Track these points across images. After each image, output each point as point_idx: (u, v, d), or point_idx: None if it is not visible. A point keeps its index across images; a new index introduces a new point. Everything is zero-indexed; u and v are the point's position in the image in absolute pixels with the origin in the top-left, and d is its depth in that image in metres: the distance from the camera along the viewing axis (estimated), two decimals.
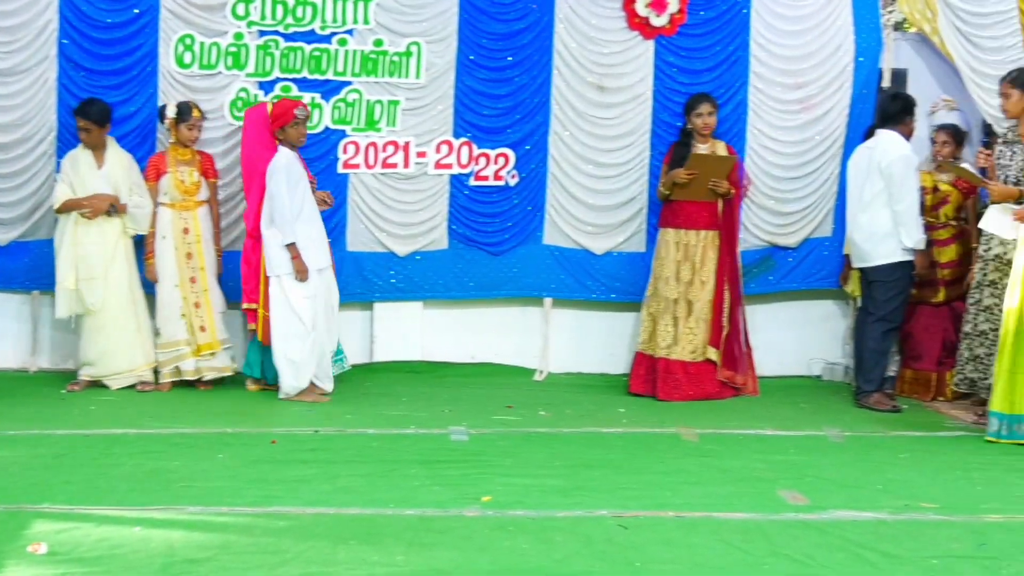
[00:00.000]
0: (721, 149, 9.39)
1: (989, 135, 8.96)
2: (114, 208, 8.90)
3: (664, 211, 9.45)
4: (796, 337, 10.22)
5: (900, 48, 10.25)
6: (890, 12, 10.03)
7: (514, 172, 9.81)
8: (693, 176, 9.14)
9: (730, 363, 9.43)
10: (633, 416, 8.59)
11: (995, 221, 8.14)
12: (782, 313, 10.17)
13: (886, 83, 10.05)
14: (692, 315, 9.31)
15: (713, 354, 9.35)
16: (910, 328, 9.53)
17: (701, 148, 9.34)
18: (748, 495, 6.54)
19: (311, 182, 8.98)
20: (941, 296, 9.47)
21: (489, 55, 9.73)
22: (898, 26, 10.15)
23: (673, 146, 9.48)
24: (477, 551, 5.48)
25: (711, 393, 9.30)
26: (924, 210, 9.21)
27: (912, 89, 10.15)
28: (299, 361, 8.75)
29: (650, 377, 9.34)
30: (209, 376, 9.10)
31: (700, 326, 9.31)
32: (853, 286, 9.67)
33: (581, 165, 9.86)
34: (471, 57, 9.70)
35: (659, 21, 9.76)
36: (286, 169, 8.69)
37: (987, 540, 5.83)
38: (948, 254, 9.39)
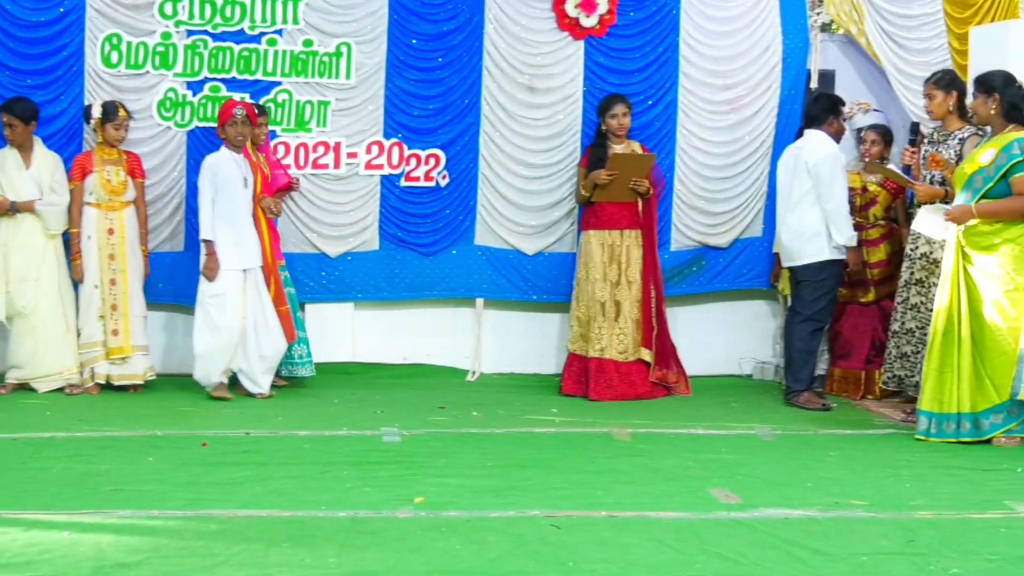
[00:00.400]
0: (636, 149, 9.44)
1: (915, 134, 9.07)
2: (14, 207, 8.79)
3: (585, 214, 9.50)
4: (727, 337, 10.29)
5: (828, 49, 10.37)
6: (818, 14, 10.13)
7: (445, 173, 9.80)
8: (614, 176, 9.18)
9: (662, 362, 9.50)
10: (565, 416, 8.61)
11: (927, 222, 8.22)
12: (713, 313, 10.23)
13: (814, 84, 10.14)
14: (621, 315, 9.35)
15: (646, 355, 9.41)
16: (839, 327, 9.62)
17: (617, 149, 9.39)
18: (680, 494, 6.57)
19: (291, 185, 9.21)
20: (871, 296, 9.56)
21: (419, 56, 9.72)
22: (825, 27, 10.25)
23: (589, 148, 9.52)
24: (410, 552, 5.46)
25: (643, 393, 9.35)
26: (854, 210, 9.33)
27: (840, 90, 10.26)
28: (203, 355, 8.85)
29: (582, 377, 9.37)
30: (119, 383, 8.99)
31: (630, 326, 9.35)
32: (783, 285, 9.75)
33: (512, 166, 9.87)
34: (401, 58, 9.68)
35: (589, 22, 9.79)
36: (211, 169, 8.80)
37: (916, 536, 5.88)
38: (878, 254, 9.48)
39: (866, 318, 9.63)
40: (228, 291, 8.81)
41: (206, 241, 8.77)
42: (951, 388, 7.94)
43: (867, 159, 9.39)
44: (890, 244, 9.50)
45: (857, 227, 9.26)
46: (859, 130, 9.78)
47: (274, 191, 9.14)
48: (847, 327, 9.63)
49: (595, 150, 9.43)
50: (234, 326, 8.82)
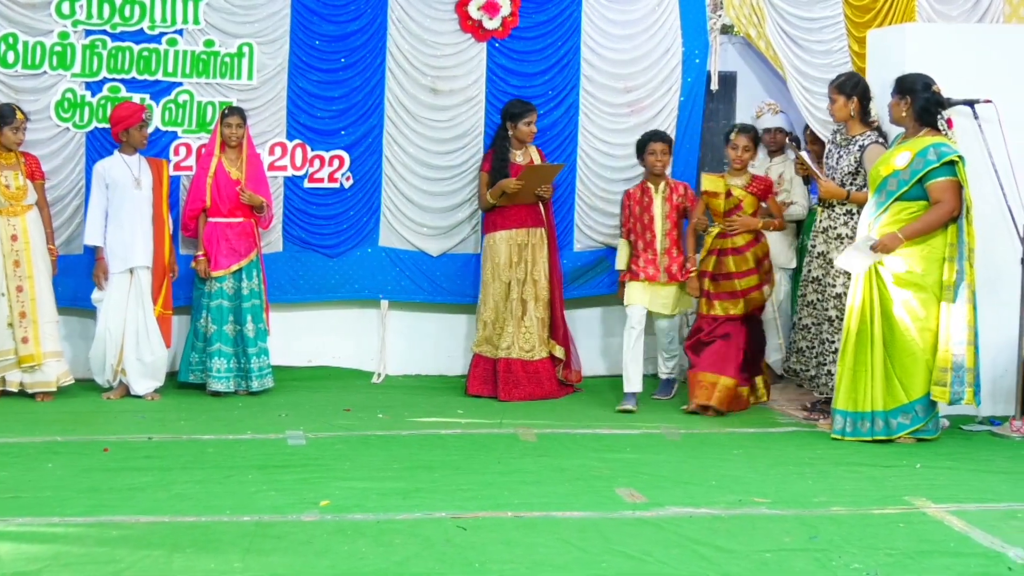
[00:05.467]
0: (535, 154, 9.52)
1: (799, 144, 9.19)
2: None
3: (489, 216, 9.53)
4: None
5: (730, 51, 10.47)
6: (718, 16, 10.21)
7: (349, 174, 9.77)
8: (522, 186, 9.23)
9: (568, 361, 9.56)
10: (471, 417, 8.61)
11: (854, 262, 8.19)
12: (616, 314, 10.27)
13: (714, 86, 10.23)
14: (527, 314, 9.39)
15: (558, 351, 9.48)
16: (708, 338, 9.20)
17: (517, 154, 9.43)
18: (586, 494, 6.60)
19: (241, 187, 9.14)
20: (740, 308, 9.03)
21: (322, 57, 9.68)
22: (727, 29, 10.33)
23: (490, 153, 9.55)
24: (316, 556, 5.44)
25: (550, 392, 9.40)
26: (718, 217, 9.07)
27: (741, 92, 10.40)
28: (91, 357, 9.04)
29: (488, 378, 9.38)
30: (33, 391, 8.86)
31: (535, 324, 9.39)
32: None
33: (415, 167, 9.86)
34: (303, 59, 9.63)
35: (491, 24, 9.80)
36: (100, 175, 8.94)
37: (818, 533, 5.96)
38: (745, 262, 9.02)
39: (736, 330, 9.07)
40: (111, 294, 8.90)
41: (93, 247, 8.91)
42: (865, 387, 8.05)
43: (736, 166, 9.00)
44: (757, 251, 9.06)
45: (722, 234, 9.02)
46: (766, 131, 9.88)
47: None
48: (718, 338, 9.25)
49: (497, 155, 9.45)
50: (113, 329, 8.87)
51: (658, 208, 9.22)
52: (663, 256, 9.18)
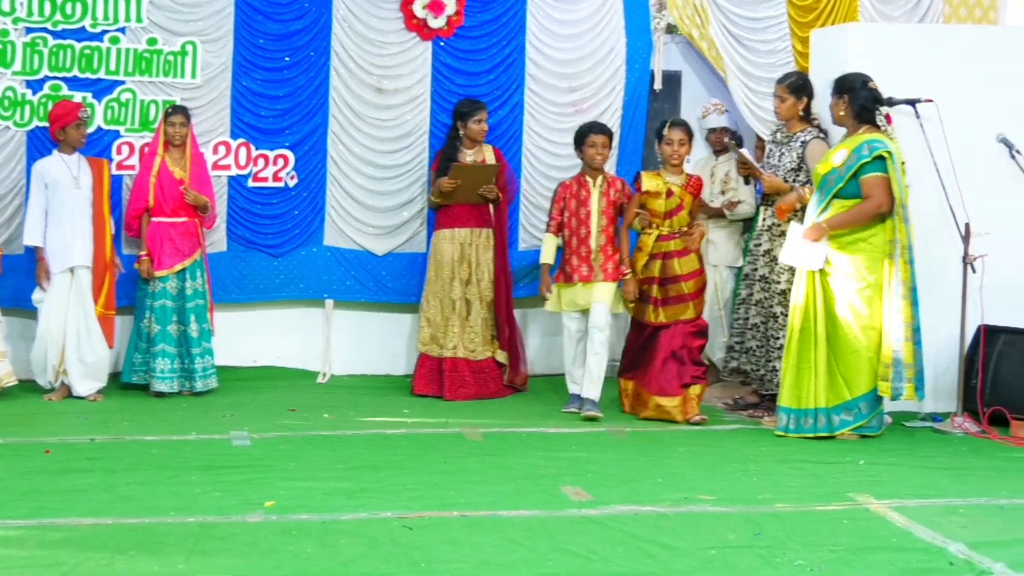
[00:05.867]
0: (489, 153, 9.48)
1: (739, 143, 9.25)
2: None
3: (438, 215, 9.51)
4: None
5: (674, 51, 10.51)
6: (662, 16, 10.24)
7: (293, 173, 9.73)
8: (456, 184, 9.21)
9: (514, 365, 9.55)
10: (417, 417, 8.60)
11: (797, 256, 8.25)
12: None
13: (658, 85, 10.26)
14: (472, 314, 9.38)
15: (501, 356, 9.46)
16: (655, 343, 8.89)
17: (469, 153, 9.43)
18: (531, 492, 6.61)
19: (185, 186, 9.06)
20: (691, 312, 8.72)
21: (266, 55, 9.63)
22: (671, 29, 10.37)
23: (440, 153, 9.54)
24: (260, 557, 5.41)
25: (496, 391, 9.40)
26: (656, 217, 8.72)
27: (686, 91, 10.44)
28: (32, 358, 8.96)
29: (434, 377, 9.37)
30: None
31: (479, 324, 9.39)
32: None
33: (360, 166, 9.83)
34: (247, 57, 9.59)
35: (436, 23, 9.79)
36: (39, 174, 8.85)
37: (762, 530, 6.00)
38: (689, 264, 8.70)
39: (679, 338, 8.71)
40: (52, 295, 8.83)
41: (34, 247, 8.85)
42: (808, 384, 8.11)
43: (674, 161, 8.68)
44: (699, 251, 8.83)
45: (664, 236, 8.70)
46: (712, 130, 9.91)
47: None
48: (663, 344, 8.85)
49: (444, 154, 9.46)
50: (54, 330, 8.80)
51: (595, 203, 8.80)
52: (598, 254, 8.76)
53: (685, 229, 8.72)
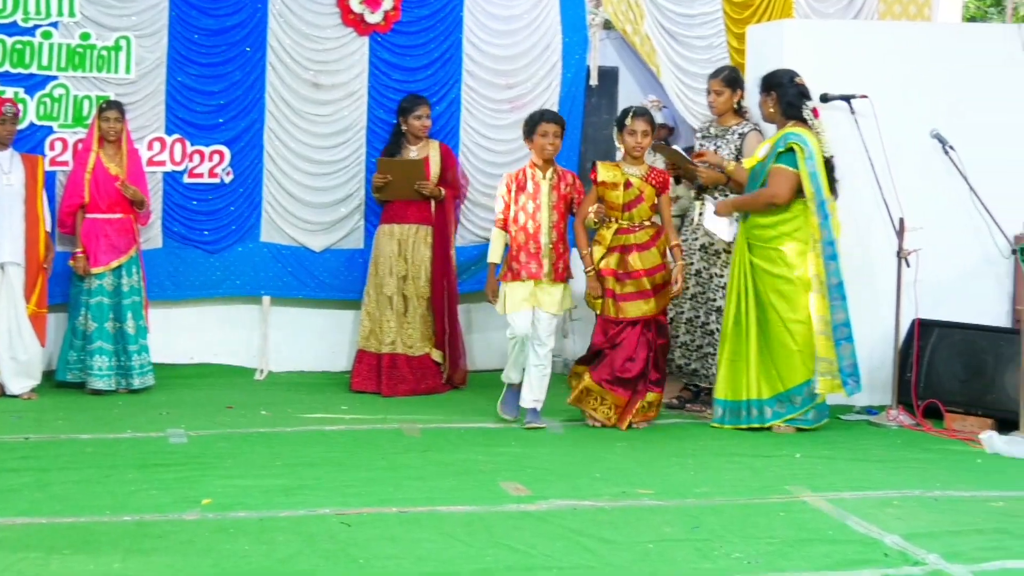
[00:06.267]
0: (434, 149, 9.46)
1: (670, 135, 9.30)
2: None
3: (382, 210, 9.51)
4: None
5: (610, 47, 10.53)
6: (597, 12, 10.27)
7: (229, 169, 9.67)
8: (386, 180, 9.21)
9: (453, 362, 9.54)
10: (355, 413, 8.57)
11: (714, 222, 8.44)
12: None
13: (593, 81, 10.29)
14: (409, 310, 9.37)
15: (437, 355, 9.45)
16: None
17: (412, 150, 9.43)
18: (470, 488, 6.61)
19: (121, 181, 8.95)
20: (652, 307, 8.25)
21: (201, 51, 9.57)
22: (608, 25, 10.40)
23: (384, 150, 9.55)
24: (198, 555, 5.37)
25: (434, 387, 9.40)
26: (614, 211, 8.23)
27: (623, 87, 10.47)
28: None
29: (372, 374, 9.35)
30: None
31: (417, 321, 9.38)
32: None
33: (297, 162, 9.79)
34: (182, 53, 9.52)
35: (373, 18, 9.77)
36: None
37: (699, 523, 6.02)
38: (652, 258, 8.24)
39: (642, 336, 8.29)
40: None
41: None
42: (742, 376, 8.18)
43: (636, 153, 8.22)
44: (662, 244, 8.34)
45: (623, 230, 8.21)
46: None
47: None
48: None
49: (386, 150, 9.45)
50: None
51: (545, 196, 8.23)
52: (548, 251, 8.21)
53: (647, 223, 8.22)
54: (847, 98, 8.55)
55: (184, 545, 5.50)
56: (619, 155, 8.34)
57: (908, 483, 6.93)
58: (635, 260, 8.19)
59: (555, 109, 10.01)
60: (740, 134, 8.71)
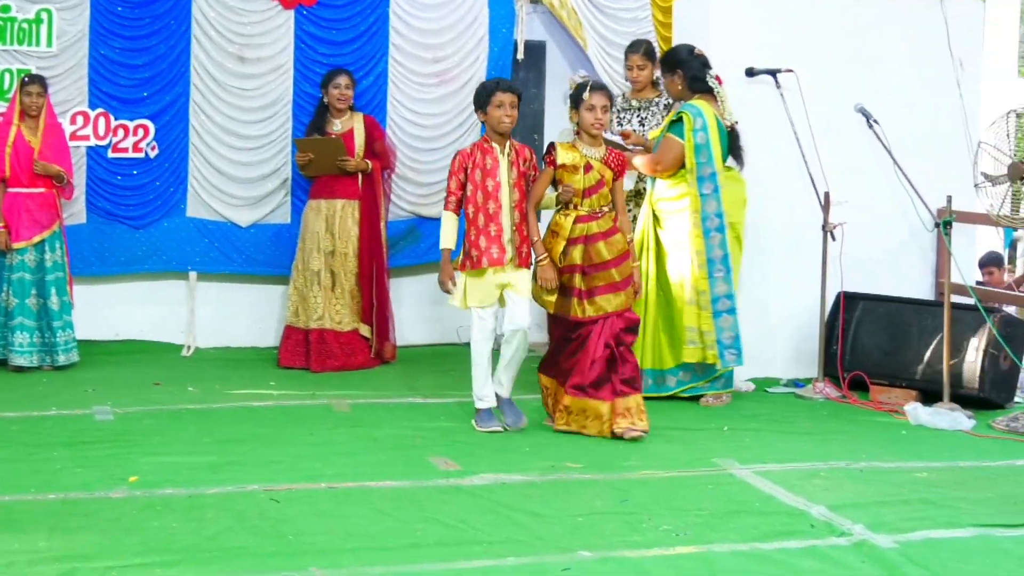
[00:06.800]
0: (358, 121, 9.42)
1: None
2: None
3: (311, 185, 9.48)
4: (444, 306, 10.26)
5: (537, 21, 10.50)
6: None
7: (154, 144, 9.57)
8: (308, 158, 9.18)
9: (382, 336, 9.52)
10: (284, 389, 8.54)
11: None
12: (430, 283, 10.26)
13: (520, 55, 10.26)
14: (337, 286, 9.33)
15: (365, 330, 9.42)
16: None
17: (336, 122, 9.39)
18: (399, 463, 6.61)
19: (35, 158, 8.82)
20: (622, 301, 7.46)
21: (124, 23, 9.45)
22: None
23: (310, 124, 9.48)
24: (124, 533, 5.33)
25: (363, 363, 9.36)
26: (576, 196, 7.45)
27: (550, 61, 10.45)
28: None
29: (300, 350, 9.31)
30: None
31: (346, 297, 9.35)
32: None
33: (223, 136, 9.71)
34: (105, 25, 9.40)
35: None
36: None
37: (628, 496, 6.07)
38: (616, 246, 7.45)
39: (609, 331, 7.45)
40: None
41: None
42: (648, 346, 8.22)
43: (594, 131, 7.44)
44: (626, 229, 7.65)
45: (582, 218, 7.42)
46: None
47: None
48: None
49: (311, 125, 9.40)
50: None
51: (504, 173, 7.42)
52: (512, 233, 7.41)
53: (607, 209, 7.45)
54: (772, 72, 8.60)
55: (111, 523, 5.46)
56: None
57: (834, 455, 7.01)
58: (603, 249, 7.38)
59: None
60: (666, 105, 8.73)
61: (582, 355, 7.39)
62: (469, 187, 7.43)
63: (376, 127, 9.56)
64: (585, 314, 7.36)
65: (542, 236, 7.51)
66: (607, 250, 7.40)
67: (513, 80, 10.06)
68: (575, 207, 7.42)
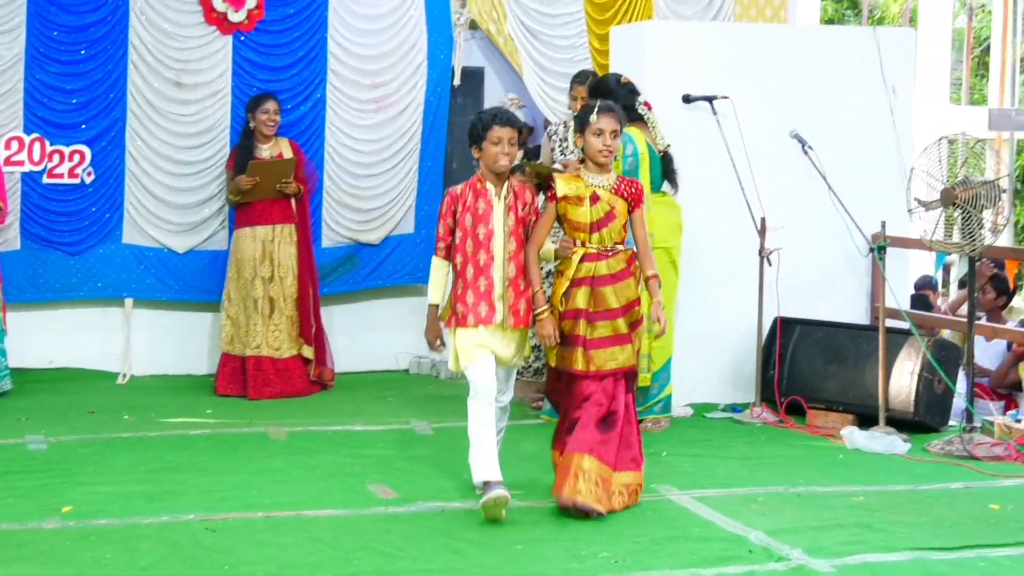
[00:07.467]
0: (286, 146, 9.39)
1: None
2: None
3: (236, 213, 9.40)
4: (383, 333, 10.33)
5: (476, 47, 10.55)
6: (463, 11, 10.28)
7: (90, 169, 9.52)
8: (255, 182, 9.12)
9: (320, 360, 9.49)
10: (220, 417, 8.48)
11: None
12: (368, 310, 10.28)
13: (457, 81, 10.30)
14: (276, 312, 9.29)
15: (307, 351, 9.38)
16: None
17: (264, 148, 9.33)
18: (337, 491, 6.57)
19: None
20: (628, 356, 6.46)
21: (60, 48, 9.42)
22: (473, 25, 10.40)
23: (235, 149, 9.43)
24: (58, 564, 5.27)
25: (301, 389, 9.32)
26: (579, 232, 6.44)
27: (488, 87, 10.49)
28: None
29: (236, 377, 9.25)
30: None
31: (284, 322, 9.30)
32: None
33: (160, 162, 9.67)
34: (41, 50, 9.34)
35: (237, 17, 9.67)
36: None
37: (568, 523, 6.05)
38: (625, 292, 6.42)
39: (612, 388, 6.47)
40: None
41: None
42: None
43: (602, 159, 6.45)
44: (637, 271, 6.53)
45: (592, 256, 6.40)
46: None
47: None
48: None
49: (241, 151, 9.33)
50: None
51: (499, 219, 6.37)
52: (505, 289, 6.36)
53: (620, 247, 6.46)
54: (709, 99, 8.65)
55: (44, 555, 5.39)
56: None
57: (772, 479, 7.03)
58: (610, 295, 6.38)
59: (420, 109, 10.06)
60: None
61: (621, 430, 6.38)
62: (458, 233, 6.39)
63: (300, 151, 9.53)
64: (590, 367, 6.35)
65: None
66: (615, 296, 6.38)
67: (452, 105, 10.12)
68: (581, 244, 6.41)
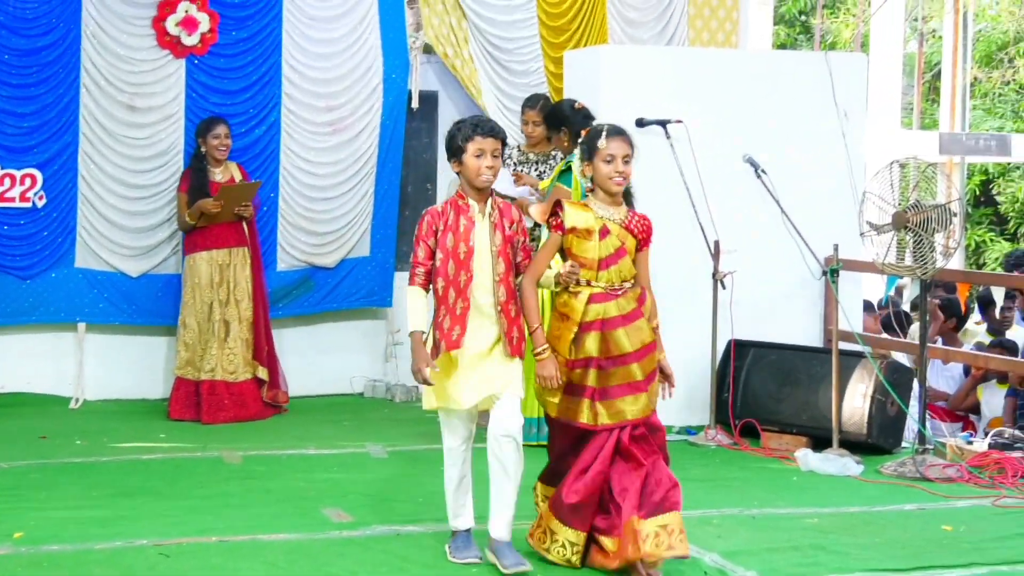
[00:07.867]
0: (235, 170, 9.38)
1: None
2: None
3: (190, 236, 9.33)
4: (338, 356, 10.31)
5: (431, 71, 10.55)
6: (418, 36, 10.30)
7: (42, 193, 9.46)
8: (221, 206, 9.09)
9: (274, 382, 9.45)
10: (174, 441, 8.43)
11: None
12: (323, 333, 10.25)
13: (415, 104, 10.31)
14: (231, 335, 9.25)
15: (262, 372, 9.35)
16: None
17: (216, 172, 9.31)
18: (292, 515, 6.54)
19: None
20: (643, 407, 5.76)
21: (11, 71, 9.37)
22: (429, 49, 10.42)
23: (187, 172, 9.38)
24: None
25: (255, 413, 9.28)
26: (587, 267, 5.75)
27: (443, 111, 10.49)
28: None
29: (191, 401, 9.20)
30: None
31: (239, 346, 9.27)
32: None
33: (113, 186, 9.62)
34: None
35: (190, 40, 9.65)
36: None
37: (519, 546, 6.04)
38: (638, 335, 5.77)
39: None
40: None
41: None
42: (531, 394, 8.18)
43: (615, 187, 5.81)
44: (648, 310, 5.91)
45: (600, 296, 5.73)
46: None
47: None
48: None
49: (195, 174, 9.28)
50: None
51: (484, 237, 5.68)
52: (497, 315, 5.68)
53: (629, 285, 5.83)
54: (662, 123, 8.69)
55: None
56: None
57: (727, 501, 7.06)
58: (623, 338, 5.73)
59: (376, 132, 10.05)
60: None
61: (646, 478, 5.67)
62: (439, 255, 5.66)
63: (247, 176, 9.51)
64: (598, 421, 5.69)
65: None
66: (628, 340, 5.73)
67: (407, 129, 10.13)
68: (588, 283, 5.74)
